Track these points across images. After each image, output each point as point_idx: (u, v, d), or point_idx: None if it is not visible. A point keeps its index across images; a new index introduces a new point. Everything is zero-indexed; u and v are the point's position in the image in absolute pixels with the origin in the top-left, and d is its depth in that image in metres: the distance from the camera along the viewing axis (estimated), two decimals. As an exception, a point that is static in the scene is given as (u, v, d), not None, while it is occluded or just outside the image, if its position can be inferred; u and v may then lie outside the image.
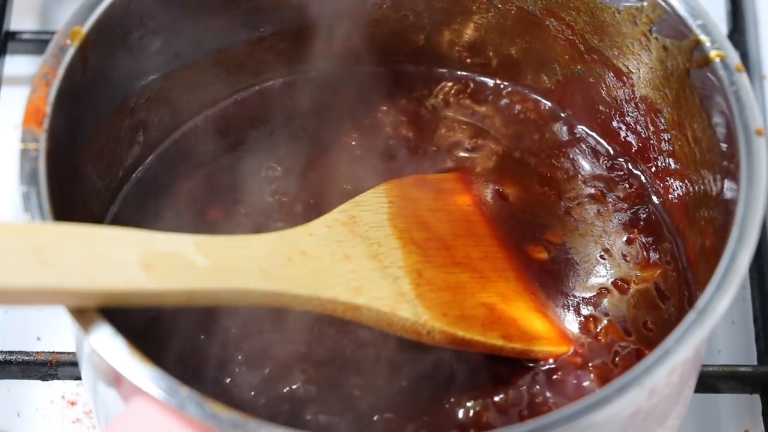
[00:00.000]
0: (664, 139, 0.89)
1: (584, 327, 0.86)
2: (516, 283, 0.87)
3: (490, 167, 0.94)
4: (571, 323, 0.86)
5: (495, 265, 0.87)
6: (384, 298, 0.80)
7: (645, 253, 0.89)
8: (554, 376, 0.83)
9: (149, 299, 0.70)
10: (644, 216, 0.91)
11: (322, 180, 0.92)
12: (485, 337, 0.82)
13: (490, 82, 0.98)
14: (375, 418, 0.81)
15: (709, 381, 0.93)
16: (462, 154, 0.94)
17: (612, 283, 0.88)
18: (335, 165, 0.92)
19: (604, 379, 0.82)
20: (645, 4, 0.85)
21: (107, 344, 0.69)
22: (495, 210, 0.91)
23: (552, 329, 0.85)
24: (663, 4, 0.83)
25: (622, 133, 0.93)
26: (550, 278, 0.88)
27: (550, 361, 0.83)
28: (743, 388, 0.94)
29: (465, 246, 0.88)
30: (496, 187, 0.92)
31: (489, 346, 0.82)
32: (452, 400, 0.82)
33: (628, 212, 0.91)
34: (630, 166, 0.93)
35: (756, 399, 0.96)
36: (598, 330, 0.85)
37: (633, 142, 0.93)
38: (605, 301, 0.87)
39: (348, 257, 0.81)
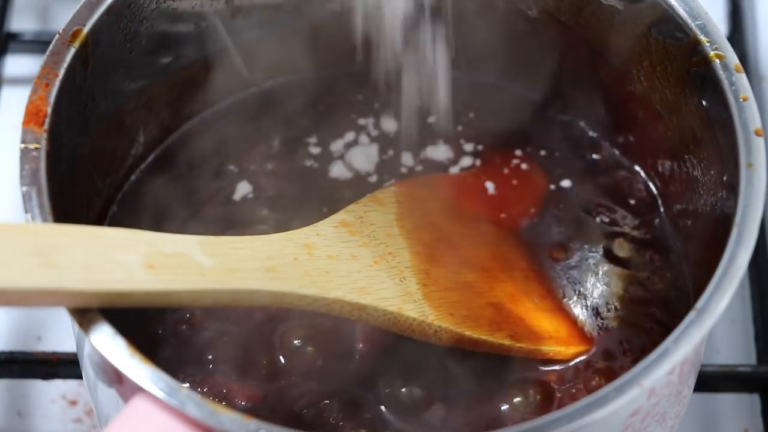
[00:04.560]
0: (664, 139, 0.89)
1: (594, 327, 0.86)
2: (525, 282, 0.87)
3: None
4: (584, 324, 0.86)
5: (504, 265, 0.87)
6: (390, 298, 0.80)
7: (649, 255, 0.89)
8: (561, 375, 0.83)
9: (153, 300, 0.70)
10: (647, 217, 0.91)
11: (326, 181, 0.92)
12: (493, 337, 0.82)
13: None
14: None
15: (709, 380, 0.93)
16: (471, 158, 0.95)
17: (621, 285, 0.88)
18: (340, 167, 0.92)
19: (610, 379, 0.82)
20: (645, 4, 0.85)
21: (108, 343, 0.69)
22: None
23: (564, 329, 0.85)
24: (663, 4, 0.84)
25: (623, 134, 0.93)
26: (566, 279, 0.88)
27: (561, 360, 0.84)
28: (742, 387, 0.95)
29: (473, 246, 0.87)
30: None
31: (497, 346, 0.82)
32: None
33: (634, 214, 0.91)
34: (631, 167, 0.93)
35: (755, 398, 0.96)
36: (607, 330, 0.86)
37: (633, 142, 0.93)
38: (615, 304, 0.87)
39: (355, 257, 0.81)
